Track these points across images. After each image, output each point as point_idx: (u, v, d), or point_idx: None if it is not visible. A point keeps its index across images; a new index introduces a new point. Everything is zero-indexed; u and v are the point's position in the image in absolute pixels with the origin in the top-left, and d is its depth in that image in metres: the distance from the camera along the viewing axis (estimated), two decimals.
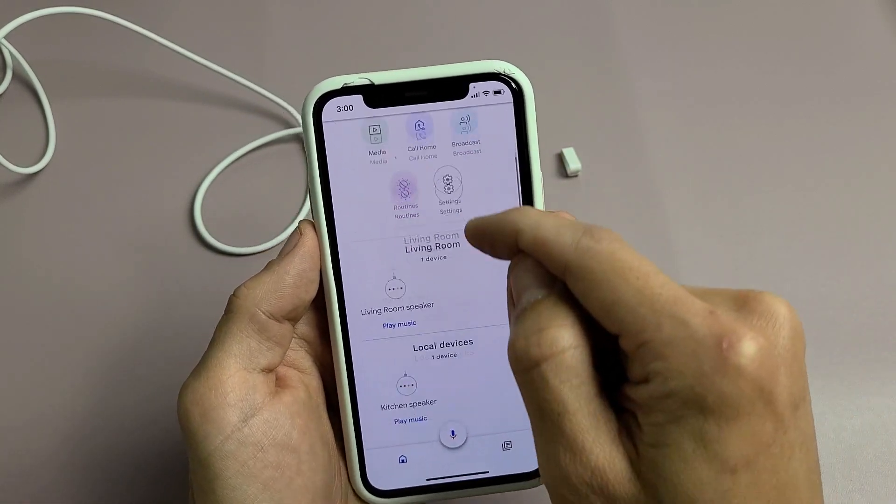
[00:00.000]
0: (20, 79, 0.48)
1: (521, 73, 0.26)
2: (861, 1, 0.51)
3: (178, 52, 0.46)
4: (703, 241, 0.43)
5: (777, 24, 0.50)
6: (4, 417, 0.38)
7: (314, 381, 0.27)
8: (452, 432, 0.27)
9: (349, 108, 0.25)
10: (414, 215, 0.26)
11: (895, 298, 0.41)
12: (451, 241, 0.26)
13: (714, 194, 0.44)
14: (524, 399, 0.21)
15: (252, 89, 0.46)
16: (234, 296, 0.25)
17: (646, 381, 0.19)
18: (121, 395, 0.39)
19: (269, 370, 0.25)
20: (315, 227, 0.26)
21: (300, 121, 0.25)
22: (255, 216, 0.43)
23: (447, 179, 0.25)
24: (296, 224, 0.28)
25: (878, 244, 0.42)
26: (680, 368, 0.19)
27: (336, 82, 0.25)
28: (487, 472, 0.27)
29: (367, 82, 0.25)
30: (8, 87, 0.48)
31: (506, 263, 0.23)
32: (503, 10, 0.51)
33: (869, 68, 0.48)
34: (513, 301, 0.22)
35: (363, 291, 0.26)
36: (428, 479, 0.27)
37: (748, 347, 0.18)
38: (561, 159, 0.45)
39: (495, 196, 0.26)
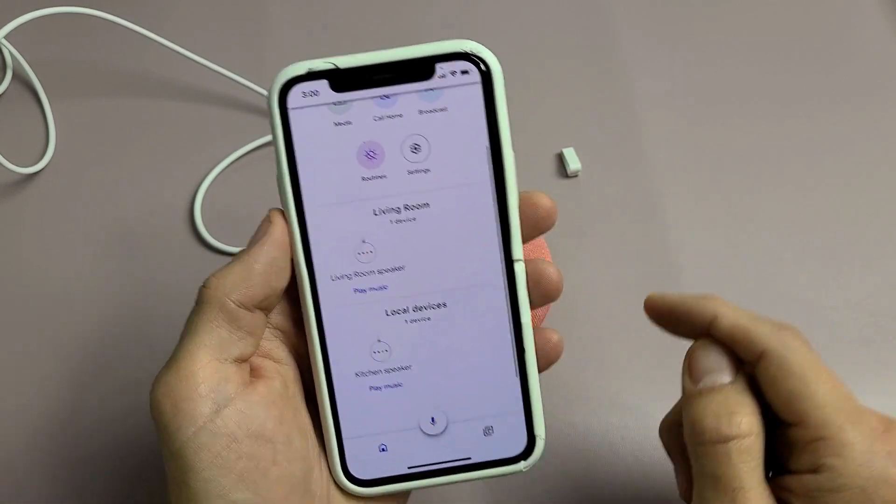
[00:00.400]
0: (20, 79, 0.48)
1: (489, 52, 0.25)
2: (861, 1, 0.51)
3: (178, 52, 0.46)
4: (703, 240, 0.43)
5: (777, 24, 0.50)
6: None
7: (290, 372, 0.27)
8: (432, 419, 0.27)
9: (314, 93, 0.25)
10: (381, 177, 0.25)
11: (895, 298, 0.41)
12: (421, 202, 0.26)
13: (714, 194, 0.44)
14: (697, 467, 0.24)
15: (252, 89, 0.46)
16: (203, 286, 0.25)
17: (815, 471, 0.23)
18: (126, 394, 0.39)
19: (241, 360, 0.25)
20: (285, 216, 0.26)
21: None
22: (255, 216, 0.43)
23: (414, 143, 0.25)
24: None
25: (878, 244, 0.42)
26: (855, 469, 0.23)
27: (300, 68, 0.24)
28: (469, 458, 0.27)
29: (332, 66, 0.24)
30: (8, 87, 0.48)
31: (482, 225, 0.25)
32: (503, 10, 0.51)
33: (869, 68, 0.48)
34: (690, 376, 0.26)
35: (333, 257, 0.25)
36: (409, 467, 0.27)
37: None
38: (561, 159, 0.45)
39: (464, 159, 0.25)
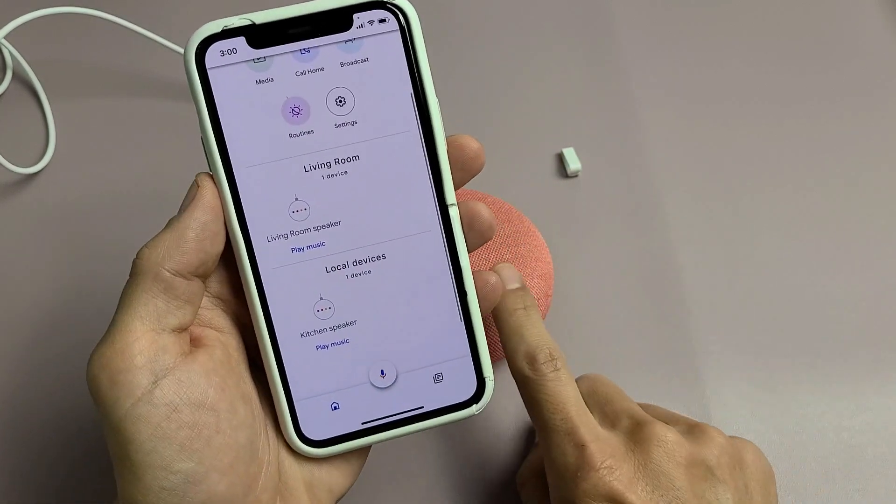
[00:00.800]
0: (20, 79, 0.48)
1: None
2: (861, 1, 0.51)
3: (178, 52, 0.46)
4: (703, 240, 0.43)
5: (777, 24, 0.50)
6: None
7: (232, 340, 0.26)
8: (382, 371, 0.26)
9: (233, 50, 0.24)
10: (308, 132, 0.25)
11: (895, 298, 0.41)
12: (350, 154, 0.25)
13: (714, 194, 0.44)
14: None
15: None
16: (136, 258, 0.25)
17: None
18: None
19: (180, 330, 0.24)
20: (214, 178, 0.25)
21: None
22: None
23: (339, 96, 0.25)
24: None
25: (878, 244, 0.42)
26: (555, 483, 0.28)
27: (216, 26, 0.24)
28: (422, 406, 0.27)
29: (249, 23, 0.24)
30: (8, 87, 0.48)
31: (413, 173, 0.26)
32: (503, 10, 0.51)
33: (869, 68, 0.48)
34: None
35: (267, 218, 0.25)
36: (363, 423, 0.26)
37: (593, 478, 0.27)
38: (561, 159, 0.45)
39: (389, 108, 0.25)
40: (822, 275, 0.42)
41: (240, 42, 0.24)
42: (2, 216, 0.44)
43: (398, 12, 0.25)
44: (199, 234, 0.25)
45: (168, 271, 0.24)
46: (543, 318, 0.38)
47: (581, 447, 0.27)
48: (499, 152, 0.45)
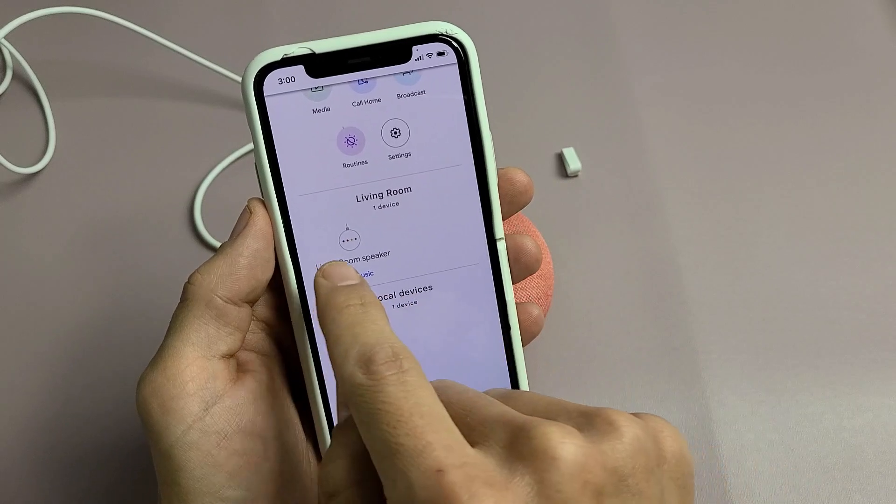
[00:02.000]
0: (20, 79, 0.48)
1: (463, 33, 0.25)
2: (861, 1, 0.51)
3: (178, 52, 0.46)
4: (703, 240, 0.43)
5: (777, 24, 0.50)
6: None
7: (276, 365, 0.26)
8: None
9: (291, 79, 0.24)
10: (362, 162, 0.25)
11: (895, 298, 0.41)
12: (403, 186, 0.25)
13: (714, 194, 0.44)
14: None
15: None
16: (188, 283, 0.25)
17: None
18: (126, 395, 0.38)
19: (229, 356, 0.25)
20: (266, 205, 0.25)
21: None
22: None
23: (394, 128, 0.25)
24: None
25: (878, 244, 0.42)
26: None
27: (276, 53, 0.24)
28: None
29: (309, 52, 0.24)
30: (8, 87, 0.48)
31: (464, 207, 0.25)
32: (503, 10, 0.51)
33: (869, 68, 0.48)
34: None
35: (317, 246, 0.25)
36: None
37: None
38: (561, 159, 0.45)
39: (444, 141, 0.25)
40: (822, 275, 0.42)
41: (298, 70, 0.24)
42: (2, 216, 0.44)
43: (457, 46, 0.25)
44: (251, 261, 0.25)
45: (220, 298, 0.24)
46: (544, 316, 0.38)
47: (437, 473, 0.18)
48: (499, 152, 0.45)
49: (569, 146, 0.45)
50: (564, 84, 0.48)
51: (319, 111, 0.24)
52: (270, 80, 0.24)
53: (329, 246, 0.25)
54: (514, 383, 0.27)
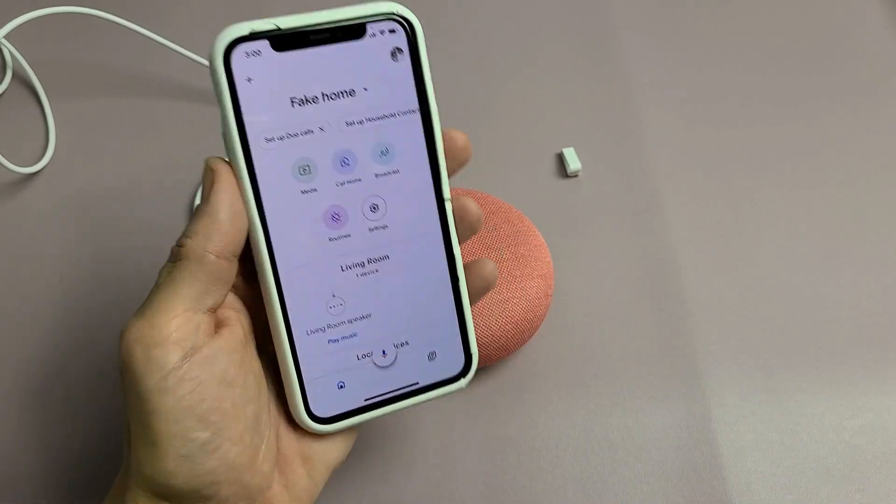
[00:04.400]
0: (20, 79, 0.48)
1: (410, 13, 0.27)
2: (861, 1, 0.51)
3: (178, 52, 0.46)
4: (703, 240, 0.43)
5: (777, 25, 0.50)
6: None
7: (244, 319, 0.28)
8: (384, 352, 0.29)
9: (257, 52, 0.26)
10: (346, 236, 0.27)
11: (895, 298, 0.41)
12: (381, 255, 0.28)
13: (714, 194, 0.44)
14: None
15: None
16: (178, 246, 0.26)
17: None
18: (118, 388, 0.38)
19: (213, 309, 0.26)
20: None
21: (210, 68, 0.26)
22: None
23: (373, 203, 0.27)
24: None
25: (878, 244, 0.42)
26: None
27: (243, 28, 0.26)
28: (417, 382, 0.29)
29: (274, 27, 0.26)
30: (8, 87, 0.48)
31: (435, 272, 0.28)
32: (504, 10, 0.51)
33: (869, 68, 0.48)
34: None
35: (307, 313, 0.27)
36: (366, 400, 0.29)
37: None
38: (561, 159, 0.45)
39: (416, 214, 0.28)
40: (822, 275, 0.42)
41: (263, 45, 0.26)
42: (2, 216, 0.44)
43: (405, 24, 0.27)
44: (229, 214, 0.26)
45: (212, 254, 0.25)
46: (543, 318, 0.38)
47: None
48: (499, 152, 0.45)
49: (569, 146, 0.45)
50: (565, 84, 0.48)
51: (307, 192, 0.26)
52: (238, 54, 0.25)
53: (318, 312, 0.27)
54: (463, 331, 0.29)
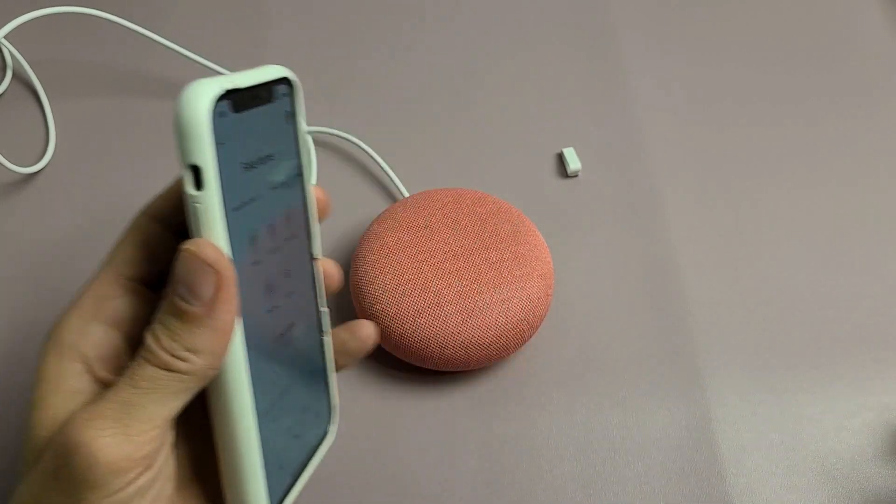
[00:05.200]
0: (20, 79, 0.48)
1: (292, 73, 0.27)
2: (861, 1, 0.51)
3: (178, 52, 0.46)
4: (703, 240, 0.43)
5: (777, 25, 0.50)
6: None
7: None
8: (297, 420, 0.28)
9: (224, 113, 0.23)
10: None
11: (895, 298, 0.41)
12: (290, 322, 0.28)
13: (714, 194, 0.44)
14: None
15: None
16: (177, 358, 0.23)
17: None
18: None
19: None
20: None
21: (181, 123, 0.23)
22: None
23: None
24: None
25: (878, 244, 0.42)
26: None
27: (214, 86, 0.23)
28: (313, 443, 0.29)
29: (234, 85, 0.23)
30: (8, 87, 0.48)
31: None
32: (504, 11, 0.51)
33: (869, 68, 0.48)
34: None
35: (258, 395, 0.26)
36: (292, 475, 0.28)
37: None
38: (561, 159, 0.45)
39: (303, 278, 0.28)
40: (822, 275, 0.42)
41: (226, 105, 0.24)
42: (2, 216, 0.44)
43: (291, 83, 0.26)
44: (232, 326, 0.23)
45: (215, 371, 0.24)
46: (543, 318, 0.38)
47: None
48: (499, 152, 0.45)
49: (569, 146, 0.45)
50: (565, 84, 0.48)
51: (256, 264, 0.25)
52: (214, 115, 0.23)
53: (265, 392, 0.26)
54: (327, 384, 0.29)
